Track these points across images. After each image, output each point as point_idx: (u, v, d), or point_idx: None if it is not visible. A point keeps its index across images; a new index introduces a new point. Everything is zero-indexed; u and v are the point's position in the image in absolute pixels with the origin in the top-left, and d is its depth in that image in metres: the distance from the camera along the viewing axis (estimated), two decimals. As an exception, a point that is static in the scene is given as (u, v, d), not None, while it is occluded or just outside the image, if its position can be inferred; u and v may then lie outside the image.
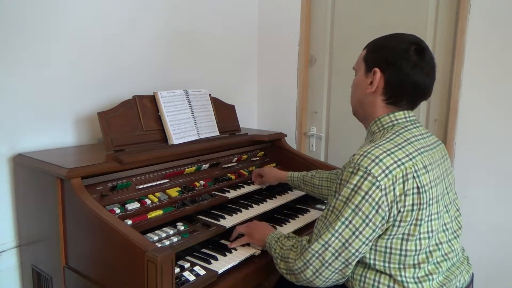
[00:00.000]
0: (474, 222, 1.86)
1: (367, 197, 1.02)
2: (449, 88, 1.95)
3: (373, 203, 1.01)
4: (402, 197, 1.03)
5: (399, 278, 1.07)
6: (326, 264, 1.06)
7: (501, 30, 1.77)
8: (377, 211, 1.02)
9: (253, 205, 1.67)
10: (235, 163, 1.89)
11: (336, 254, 1.05)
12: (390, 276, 1.08)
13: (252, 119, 2.64)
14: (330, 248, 1.05)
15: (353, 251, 1.04)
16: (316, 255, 1.07)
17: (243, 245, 1.43)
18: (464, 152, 1.92)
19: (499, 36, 1.78)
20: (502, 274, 1.89)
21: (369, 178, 1.02)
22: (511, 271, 1.87)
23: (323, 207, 1.83)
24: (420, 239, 1.06)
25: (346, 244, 1.04)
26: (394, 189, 1.02)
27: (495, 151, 1.84)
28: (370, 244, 1.06)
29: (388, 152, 1.05)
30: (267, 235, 1.32)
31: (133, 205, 1.37)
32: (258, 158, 2.04)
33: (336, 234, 1.05)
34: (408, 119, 1.17)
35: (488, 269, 1.88)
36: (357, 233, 1.03)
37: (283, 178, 1.78)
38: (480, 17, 1.81)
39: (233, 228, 1.48)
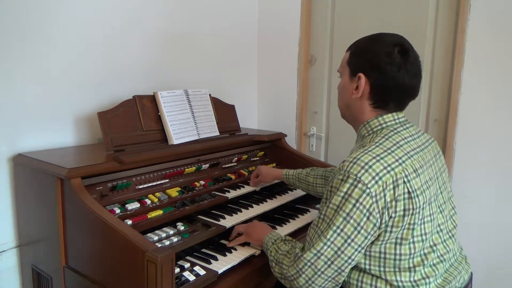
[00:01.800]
0: (474, 222, 1.86)
1: (358, 204, 1.01)
2: (449, 88, 1.95)
3: (364, 211, 1.01)
4: (393, 203, 1.02)
5: (395, 283, 1.06)
6: (319, 273, 1.06)
7: (501, 30, 1.77)
8: (368, 218, 1.01)
9: (253, 205, 1.67)
10: (235, 163, 1.89)
11: (329, 263, 1.05)
12: (386, 280, 1.07)
13: (252, 119, 2.64)
14: (322, 257, 1.05)
15: (346, 258, 1.04)
16: (309, 263, 1.07)
17: (243, 245, 1.43)
18: (464, 152, 1.92)
19: (499, 36, 1.78)
20: (501, 274, 1.89)
21: (359, 185, 1.01)
22: (510, 270, 1.87)
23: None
24: (413, 242, 1.05)
25: (339, 252, 1.03)
26: (384, 195, 1.01)
27: (495, 151, 1.84)
28: (363, 251, 1.05)
29: (378, 158, 1.04)
30: (265, 235, 1.32)
31: (133, 205, 1.37)
32: (258, 158, 2.04)
33: (328, 243, 1.04)
34: (397, 120, 1.16)
35: (487, 268, 1.88)
36: (349, 240, 1.02)
37: (279, 176, 1.77)
38: (480, 17, 1.81)
39: (233, 228, 1.48)
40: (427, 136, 1.26)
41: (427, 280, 1.08)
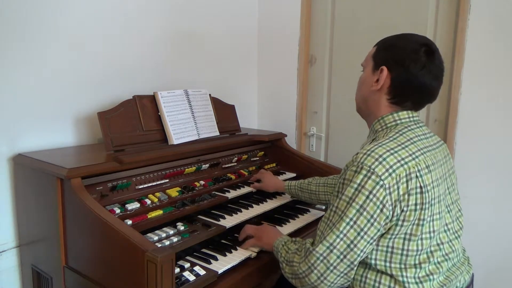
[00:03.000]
0: (474, 222, 1.86)
1: (371, 196, 1.01)
2: (449, 88, 1.95)
3: (378, 203, 1.01)
4: (406, 196, 1.02)
5: (400, 278, 1.06)
6: (331, 268, 1.05)
7: (501, 30, 1.77)
8: (381, 210, 1.01)
9: (253, 205, 1.67)
10: (235, 163, 1.89)
11: (341, 257, 1.04)
12: (391, 276, 1.07)
13: (252, 119, 2.64)
14: (335, 251, 1.04)
15: (358, 252, 1.03)
16: (321, 258, 1.05)
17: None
18: (464, 152, 1.92)
19: (499, 36, 1.78)
20: (501, 274, 1.89)
21: (373, 177, 1.01)
22: (510, 271, 1.87)
23: (323, 207, 1.83)
24: (422, 239, 1.06)
25: (351, 246, 1.03)
26: (398, 188, 1.02)
27: (495, 151, 1.84)
28: (374, 243, 1.05)
29: (392, 151, 1.04)
30: (275, 239, 1.30)
31: (133, 205, 1.37)
32: (258, 158, 2.04)
33: (341, 236, 1.03)
34: (411, 119, 1.17)
35: (487, 268, 1.88)
36: (362, 233, 1.02)
37: (281, 187, 1.77)
38: (480, 17, 1.81)
39: (233, 228, 1.48)
40: (438, 138, 1.26)
41: (431, 277, 1.08)
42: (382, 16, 2.12)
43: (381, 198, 1.01)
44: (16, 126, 1.52)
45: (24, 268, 1.57)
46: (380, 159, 1.02)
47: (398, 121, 1.16)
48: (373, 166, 1.02)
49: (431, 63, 1.11)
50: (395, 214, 1.02)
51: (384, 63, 1.15)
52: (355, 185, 1.03)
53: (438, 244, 1.11)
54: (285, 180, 1.82)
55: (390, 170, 1.01)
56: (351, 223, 1.03)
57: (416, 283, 1.07)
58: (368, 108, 1.23)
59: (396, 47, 1.15)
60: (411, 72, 1.11)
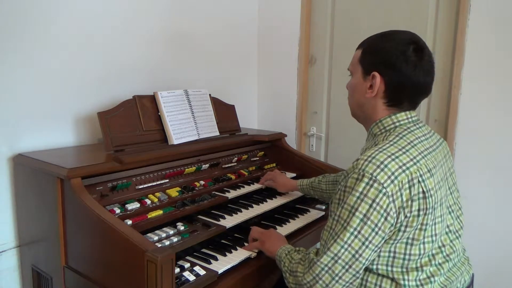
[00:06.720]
0: (474, 222, 1.86)
1: (374, 205, 0.99)
2: (449, 88, 1.95)
3: (381, 211, 0.99)
4: (409, 202, 1.01)
5: (401, 282, 1.05)
6: (336, 278, 1.03)
7: (501, 30, 1.78)
8: (386, 219, 0.99)
9: (253, 205, 1.67)
10: (235, 163, 1.89)
11: (347, 267, 1.02)
12: (392, 279, 1.07)
13: (252, 119, 2.64)
14: (340, 261, 1.02)
15: (364, 261, 1.02)
16: (326, 268, 1.04)
17: (242, 245, 1.43)
18: (464, 152, 1.92)
19: (499, 36, 1.78)
20: (501, 274, 1.89)
21: (375, 185, 0.99)
22: (511, 271, 1.87)
23: (323, 207, 1.83)
24: (424, 243, 1.05)
25: (356, 256, 1.01)
26: (401, 195, 1.00)
27: (495, 151, 1.84)
28: (378, 250, 1.04)
29: (393, 157, 1.02)
30: (279, 247, 1.28)
31: (133, 205, 1.37)
32: (258, 158, 2.04)
33: (346, 246, 1.01)
34: (410, 119, 1.15)
35: (487, 269, 1.88)
36: (366, 242, 1.00)
37: (293, 187, 1.77)
38: (480, 17, 1.81)
39: (233, 228, 1.48)
40: (438, 136, 1.25)
41: (432, 279, 1.08)
42: (382, 16, 2.12)
43: (384, 206, 0.99)
44: (16, 126, 1.52)
45: (24, 268, 1.57)
46: (382, 166, 1.00)
47: (397, 123, 1.14)
48: (375, 174, 0.99)
49: (421, 60, 1.09)
50: (399, 220, 1.01)
51: (374, 68, 1.12)
52: (357, 193, 1.00)
53: (439, 247, 1.10)
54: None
55: (392, 177, 0.99)
56: (355, 233, 1.00)
57: (417, 286, 1.06)
58: (364, 113, 1.21)
59: (384, 49, 1.11)
60: (404, 74, 1.09)
